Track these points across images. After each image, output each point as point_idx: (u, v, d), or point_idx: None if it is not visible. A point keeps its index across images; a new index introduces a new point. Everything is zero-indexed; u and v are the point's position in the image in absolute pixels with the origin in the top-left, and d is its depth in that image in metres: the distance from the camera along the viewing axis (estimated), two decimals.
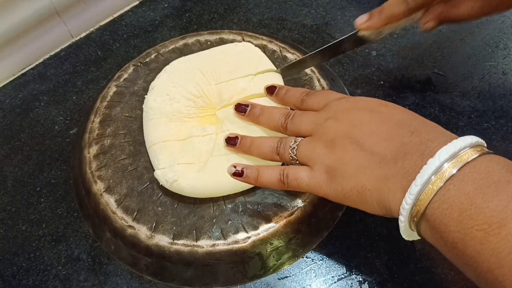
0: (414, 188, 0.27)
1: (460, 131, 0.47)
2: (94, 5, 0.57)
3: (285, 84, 0.45)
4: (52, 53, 0.57)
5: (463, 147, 0.27)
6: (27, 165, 0.48)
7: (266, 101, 0.44)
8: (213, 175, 0.40)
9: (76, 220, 0.44)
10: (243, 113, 0.41)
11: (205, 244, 0.38)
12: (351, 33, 0.41)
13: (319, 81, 0.47)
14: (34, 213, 0.44)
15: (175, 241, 0.38)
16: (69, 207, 0.45)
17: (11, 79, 0.55)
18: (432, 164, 0.26)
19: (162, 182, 0.40)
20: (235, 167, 0.37)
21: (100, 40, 0.58)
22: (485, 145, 0.28)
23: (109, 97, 0.47)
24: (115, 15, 0.60)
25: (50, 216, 0.44)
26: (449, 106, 0.49)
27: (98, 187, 0.41)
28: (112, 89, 0.48)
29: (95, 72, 0.55)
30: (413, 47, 0.54)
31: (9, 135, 0.50)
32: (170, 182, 0.39)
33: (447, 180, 0.26)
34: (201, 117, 0.44)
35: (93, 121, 0.45)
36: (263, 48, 0.49)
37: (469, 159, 0.26)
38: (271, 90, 0.42)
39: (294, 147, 0.35)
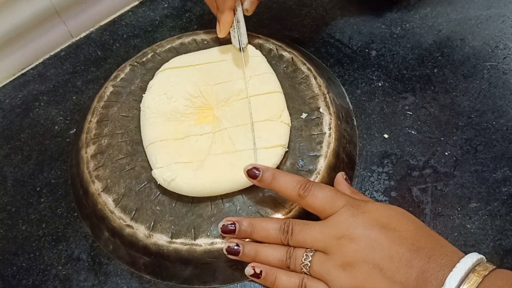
0: None
1: (460, 131, 0.47)
2: (94, 5, 0.57)
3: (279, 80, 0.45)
4: (52, 53, 0.57)
5: (468, 270, 0.29)
6: (27, 165, 0.48)
7: (265, 101, 0.44)
8: (211, 174, 0.40)
9: (76, 220, 0.44)
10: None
11: (203, 243, 0.38)
12: None
13: (315, 79, 0.47)
14: (34, 213, 0.44)
15: (174, 240, 0.39)
16: (69, 207, 0.45)
17: (11, 79, 0.55)
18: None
19: (160, 181, 0.40)
20: (254, 268, 0.36)
21: (100, 40, 0.58)
22: (484, 260, 0.30)
23: (106, 97, 0.47)
24: (115, 15, 0.60)
25: (50, 216, 0.44)
26: (449, 106, 0.49)
27: (96, 187, 0.41)
28: (109, 89, 0.48)
29: (95, 72, 0.55)
30: (413, 47, 0.54)
31: (9, 135, 0.50)
32: (168, 181, 0.39)
33: None
34: (198, 116, 0.44)
35: (90, 121, 0.45)
36: (259, 47, 0.49)
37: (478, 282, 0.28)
38: (251, 175, 0.37)
39: (307, 264, 0.34)
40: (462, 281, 0.28)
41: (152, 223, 0.39)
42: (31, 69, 0.56)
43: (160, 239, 0.39)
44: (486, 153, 0.45)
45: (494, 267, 0.29)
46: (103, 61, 0.56)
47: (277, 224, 0.36)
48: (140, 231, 0.39)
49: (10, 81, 0.55)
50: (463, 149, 0.46)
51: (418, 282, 0.30)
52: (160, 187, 0.41)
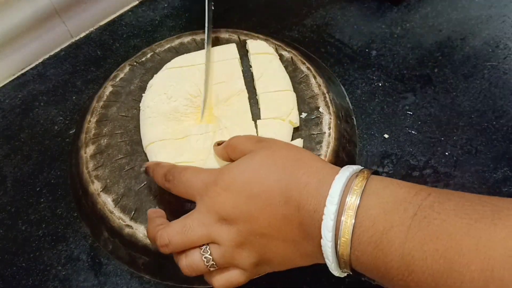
0: (329, 263, 0.29)
1: (460, 131, 0.47)
2: (93, 5, 0.57)
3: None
4: (51, 53, 0.57)
5: (335, 214, 0.28)
6: (26, 165, 0.48)
7: (274, 99, 0.44)
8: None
9: (76, 220, 0.44)
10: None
11: None
12: None
13: (315, 78, 0.47)
14: (34, 213, 0.44)
15: None
16: (69, 207, 0.45)
17: (10, 79, 0.55)
18: (326, 242, 0.28)
19: None
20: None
21: (100, 40, 0.58)
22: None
23: (105, 97, 0.47)
24: (115, 15, 0.60)
25: (49, 216, 0.44)
26: (449, 106, 0.49)
27: (95, 187, 0.41)
28: (108, 88, 0.48)
29: (95, 72, 0.55)
30: (413, 47, 0.54)
31: (9, 135, 0.50)
32: None
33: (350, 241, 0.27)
34: (198, 116, 0.44)
35: (90, 121, 0.45)
36: None
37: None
38: (146, 172, 0.39)
39: (212, 263, 0.32)
40: (337, 225, 0.27)
41: None
42: (31, 69, 0.56)
43: None
44: (486, 153, 0.45)
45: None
46: (103, 61, 0.56)
47: (152, 233, 0.34)
48: (140, 231, 0.39)
49: (10, 81, 0.55)
50: (463, 149, 0.46)
51: (302, 234, 0.30)
52: (159, 187, 0.41)
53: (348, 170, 0.29)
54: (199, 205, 0.33)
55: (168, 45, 0.51)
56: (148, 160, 0.42)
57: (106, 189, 0.41)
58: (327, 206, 0.28)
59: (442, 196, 0.26)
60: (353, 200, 0.27)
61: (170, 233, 0.33)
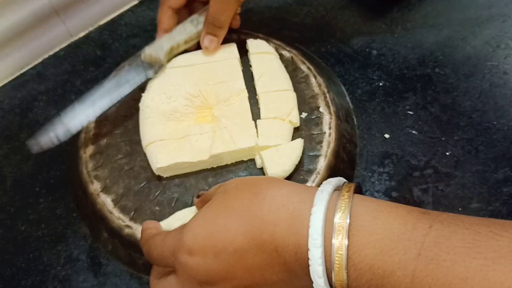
0: None
1: (461, 131, 0.47)
2: (93, 4, 0.57)
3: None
4: (51, 53, 0.57)
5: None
6: (26, 165, 0.47)
7: (274, 98, 0.44)
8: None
9: (75, 220, 0.44)
10: None
11: None
12: None
13: (315, 78, 0.47)
14: (33, 214, 0.44)
15: None
16: (68, 207, 0.45)
17: (10, 79, 0.55)
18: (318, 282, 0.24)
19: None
20: None
21: (99, 40, 0.58)
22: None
23: None
24: (115, 15, 0.60)
25: (49, 217, 0.44)
26: (450, 106, 0.49)
27: (95, 187, 0.41)
28: None
29: (94, 72, 0.55)
30: (413, 47, 0.54)
31: (8, 135, 0.50)
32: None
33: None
34: (197, 116, 0.44)
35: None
36: None
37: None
38: None
39: None
40: (327, 269, 0.24)
41: None
42: (30, 68, 0.56)
43: None
44: (487, 153, 0.45)
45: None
46: (102, 61, 0.56)
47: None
48: (139, 231, 0.39)
49: (9, 81, 0.55)
50: (464, 149, 0.46)
51: (289, 274, 0.26)
52: (159, 186, 0.41)
53: (324, 197, 0.25)
54: (176, 275, 0.30)
55: None
56: (147, 160, 0.42)
57: (105, 189, 0.41)
58: (311, 249, 0.24)
59: (446, 229, 0.22)
60: (340, 241, 0.23)
61: (152, 275, 0.32)
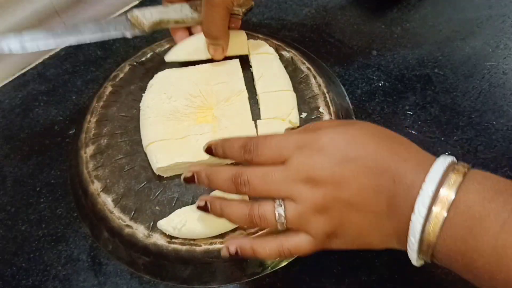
0: (413, 242, 0.27)
1: (460, 131, 0.47)
2: (93, 5, 0.57)
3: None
4: (51, 53, 0.57)
5: (434, 191, 0.27)
6: (26, 165, 0.48)
7: (274, 99, 0.44)
8: None
9: (76, 220, 0.44)
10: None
11: (202, 243, 0.38)
12: None
13: (315, 78, 0.47)
14: (34, 213, 0.44)
15: (173, 240, 0.39)
16: (69, 207, 0.45)
17: (10, 79, 0.55)
18: (418, 216, 0.27)
19: (169, 231, 0.38)
20: (227, 247, 0.33)
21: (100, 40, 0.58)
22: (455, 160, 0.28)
23: (105, 97, 0.47)
24: (115, 15, 0.60)
25: (49, 216, 0.44)
26: (449, 106, 0.49)
27: (95, 187, 0.41)
28: (108, 88, 0.48)
29: (95, 72, 0.55)
30: (413, 47, 0.54)
31: (9, 135, 0.50)
32: (179, 228, 0.37)
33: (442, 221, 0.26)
34: (197, 116, 0.44)
35: (90, 121, 0.45)
36: None
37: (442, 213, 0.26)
38: (209, 151, 0.35)
39: (283, 222, 0.31)
40: (431, 203, 0.26)
41: (152, 223, 0.39)
42: (31, 69, 0.56)
43: (160, 239, 0.39)
44: (486, 153, 0.45)
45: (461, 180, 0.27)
46: (103, 61, 0.56)
47: (230, 172, 0.32)
48: (140, 231, 0.39)
49: (10, 81, 0.55)
50: (463, 149, 0.46)
51: (390, 208, 0.28)
52: (160, 187, 0.41)
53: (449, 156, 0.28)
54: (286, 164, 0.31)
55: (168, 45, 0.51)
56: (148, 160, 0.42)
57: (106, 189, 0.41)
58: (426, 182, 0.27)
59: None
60: (454, 180, 0.26)
61: (250, 174, 0.31)
